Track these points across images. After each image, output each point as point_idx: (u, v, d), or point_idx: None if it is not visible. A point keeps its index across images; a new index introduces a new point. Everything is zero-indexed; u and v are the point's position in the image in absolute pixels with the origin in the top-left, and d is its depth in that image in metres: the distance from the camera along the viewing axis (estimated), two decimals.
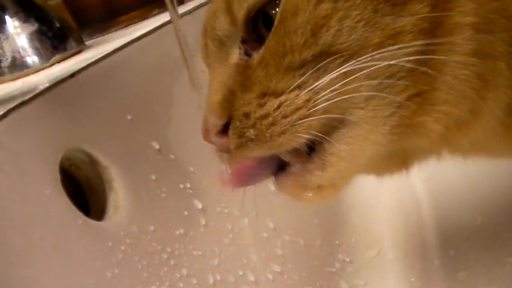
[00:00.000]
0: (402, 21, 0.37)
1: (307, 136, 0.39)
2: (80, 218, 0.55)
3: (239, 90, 0.41)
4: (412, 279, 0.72)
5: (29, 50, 0.77)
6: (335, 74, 0.37)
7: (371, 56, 0.37)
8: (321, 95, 0.37)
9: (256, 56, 0.41)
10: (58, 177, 0.54)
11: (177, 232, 0.63)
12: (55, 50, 0.79)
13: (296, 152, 0.41)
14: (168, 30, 0.75)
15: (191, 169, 0.69)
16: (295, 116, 0.38)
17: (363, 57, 0.37)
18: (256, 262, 0.68)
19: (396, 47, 0.36)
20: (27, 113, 0.54)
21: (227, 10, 0.42)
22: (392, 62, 0.37)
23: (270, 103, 0.39)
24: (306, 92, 0.38)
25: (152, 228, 0.61)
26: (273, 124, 0.39)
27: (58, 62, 0.79)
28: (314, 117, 0.38)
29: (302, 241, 0.74)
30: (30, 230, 0.50)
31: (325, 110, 0.38)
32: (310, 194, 0.42)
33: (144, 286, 0.57)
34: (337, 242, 0.78)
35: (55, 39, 0.79)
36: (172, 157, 0.68)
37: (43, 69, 0.77)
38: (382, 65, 0.37)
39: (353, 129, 0.39)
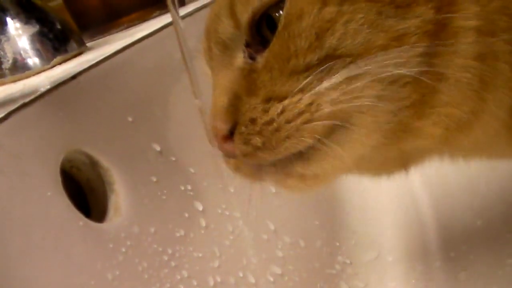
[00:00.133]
0: (406, 23, 0.36)
1: (312, 141, 0.39)
2: (81, 220, 0.55)
3: (245, 95, 0.40)
4: (413, 281, 0.72)
5: (30, 52, 0.77)
6: (339, 77, 0.37)
7: (375, 59, 0.36)
8: (324, 98, 0.37)
9: (261, 59, 0.40)
10: (59, 179, 0.54)
11: (178, 234, 0.63)
12: (56, 52, 0.79)
13: None
14: (169, 32, 0.75)
15: (192, 170, 0.69)
16: (298, 121, 0.38)
17: (366, 60, 0.37)
18: (257, 264, 0.68)
19: (400, 49, 0.36)
20: (28, 115, 0.54)
21: (231, 14, 0.42)
22: (398, 71, 0.37)
23: (274, 108, 0.39)
24: (309, 96, 0.38)
25: (152, 229, 0.61)
26: (277, 130, 0.38)
27: (59, 63, 0.79)
28: (319, 122, 0.38)
29: (302, 242, 0.74)
30: (30, 232, 0.50)
31: (328, 114, 0.38)
32: (292, 181, 0.42)
33: None
34: (337, 244, 0.78)
35: (56, 40, 0.79)
36: (173, 159, 0.68)
37: (44, 70, 0.77)
38: (387, 67, 0.37)
39: (350, 132, 0.39)
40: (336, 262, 0.76)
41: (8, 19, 0.78)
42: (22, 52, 0.77)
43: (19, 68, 0.77)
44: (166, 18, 0.85)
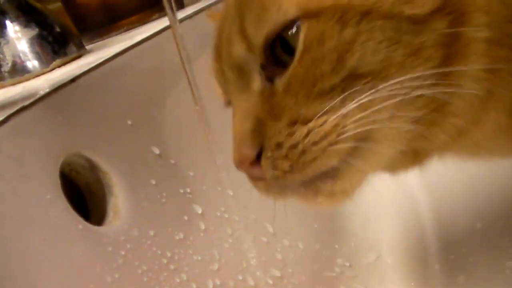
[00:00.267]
0: (422, 38, 0.37)
1: (338, 160, 0.39)
2: (80, 223, 0.55)
3: (268, 119, 0.40)
4: (412, 284, 0.72)
5: (30, 55, 0.77)
6: (362, 99, 0.37)
7: (394, 81, 0.37)
8: (349, 120, 0.38)
9: (279, 82, 0.40)
10: (58, 182, 0.54)
11: (177, 237, 0.63)
12: (55, 55, 0.79)
13: None
14: (169, 34, 0.75)
15: (191, 174, 0.69)
16: (324, 143, 0.38)
17: (387, 81, 0.37)
18: (256, 267, 0.68)
19: (415, 57, 0.37)
20: (27, 118, 0.55)
21: (242, 37, 0.42)
22: (420, 92, 0.37)
23: (299, 132, 0.39)
24: (333, 118, 0.38)
25: (152, 232, 0.61)
26: (303, 152, 0.39)
27: (59, 66, 0.79)
28: (345, 144, 0.38)
29: (301, 245, 0.74)
30: (30, 235, 0.50)
31: (354, 134, 0.38)
32: (321, 200, 0.42)
33: None
34: (336, 246, 0.78)
35: (55, 43, 0.79)
36: (172, 162, 0.68)
37: (43, 73, 0.77)
38: (405, 82, 0.37)
39: (373, 146, 0.39)
40: (335, 265, 0.76)
41: (8, 22, 0.78)
42: (21, 55, 0.77)
43: (19, 71, 0.77)
44: (165, 21, 0.84)
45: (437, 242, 0.75)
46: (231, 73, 0.44)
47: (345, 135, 0.38)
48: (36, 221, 0.51)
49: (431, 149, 0.45)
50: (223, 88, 0.47)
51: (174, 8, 0.50)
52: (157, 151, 0.66)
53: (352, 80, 0.37)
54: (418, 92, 0.37)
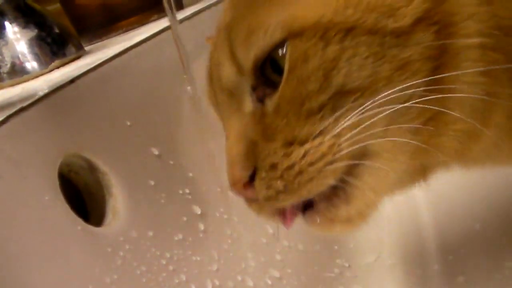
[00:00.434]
0: (408, 51, 0.37)
1: (334, 180, 0.39)
2: (79, 224, 0.55)
3: (261, 140, 0.41)
4: (411, 285, 0.72)
5: (29, 56, 0.78)
6: (353, 117, 0.37)
7: (384, 96, 0.37)
8: (343, 138, 0.38)
9: (270, 102, 0.41)
10: (57, 183, 0.54)
11: (176, 238, 0.63)
12: (54, 56, 0.79)
13: None
14: (168, 35, 0.75)
15: (190, 174, 0.69)
16: (321, 163, 0.38)
17: (376, 94, 0.37)
18: (255, 268, 0.68)
19: (404, 77, 0.37)
20: (26, 119, 0.54)
21: (232, 60, 0.42)
22: (407, 104, 0.37)
23: (296, 153, 0.39)
24: (329, 138, 0.38)
25: (151, 233, 0.61)
26: (300, 173, 0.39)
27: (58, 67, 0.79)
28: (341, 162, 0.38)
29: (301, 246, 0.74)
30: (29, 236, 0.50)
31: (349, 152, 0.38)
32: (339, 227, 0.42)
33: None
34: (336, 247, 0.78)
35: (54, 44, 0.79)
36: (171, 162, 0.68)
37: (42, 74, 0.77)
38: (394, 96, 0.37)
39: (374, 160, 0.39)
40: (335, 266, 0.76)
41: (7, 23, 0.78)
42: (20, 56, 0.77)
43: (17, 72, 0.77)
44: (164, 22, 0.85)
45: (436, 243, 0.75)
46: (222, 96, 0.44)
47: (340, 154, 0.38)
48: (35, 222, 0.51)
49: (439, 160, 0.44)
50: (217, 112, 0.47)
51: (174, 9, 0.50)
52: (156, 152, 0.66)
53: (341, 98, 0.38)
54: (409, 103, 0.37)
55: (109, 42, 0.93)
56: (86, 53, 0.85)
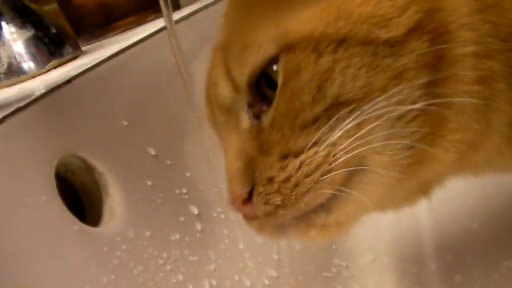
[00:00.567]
0: (403, 60, 0.37)
1: (331, 191, 0.39)
2: (76, 224, 0.55)
3: (258, 155, 0.41)
4: (409, 284, 0.72)
5: (25, 56, 0.77)
6: (348, 125, 0.37)
7: (378, 101, 0.37)
8: (339, 148, 0.38)
9: (266, 118, 0.41)
10: (53, 183, 0.54)
11: (173, 238, 0.63)
12: (51, 56, 0.79)
13: None
14: (165, 35, 0.75)
15: (187, 174, 0.69)
16: (317, 173, 0.38)
17: (371, 103, 0.37)
18: (252, 267, 0.68)
19: (399, 88, 0.37)
20: (23, 119, 0.54)
21: (228, 77, 0.42)
22: (403, 108, 0.37)
23: (291, 165, 0.39)
24: (324, 148, 0.38)
25: (148, 233, 0.61)
26: (296, 185, 0.39)
27: (55, 67, 0.79)
28: (337, 172, 0.38)
29: (298, 245, 0.74)
30: (25, 236, 0.50)
31: (345, 162, 0.38)
32: (315, 232, 0.42)
33: None
34: (333, 246, 0.78)
35: (51, 45, 0.79)
36: (168, 162, 0.68)
37: (39, 75, 0.77)
38: (390, 105, 0.37)
39: (368, 175, 0.39)
40: (332, 265, 0.76)
41: (3, 24, 0.78)
42: (17, 56, 0.77)
43: (14, 73, 0.77)
44: (161, 22, 0.84)
45: (434, 242, 0.75)
46: (220, 115, 0.45)
47: (336, 163, 0.38)
48: (32, 222, 0.51)
49: (437, 174, 0.44)
50: (216, 131, 0.47)
51: (171, 9, 0.50)
52: (153, 152, 0.66)
53: (336, 109, 0.38)
54: (404, 108, 0.37)
55: (106, 42, 0.93)
56: (83, 53, 0.85)
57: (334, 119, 0.38)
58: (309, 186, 0.39)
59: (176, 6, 1.01)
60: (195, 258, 0.64)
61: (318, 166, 0.38)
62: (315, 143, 0.38)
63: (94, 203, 0.60)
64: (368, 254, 0.77)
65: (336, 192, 0.39)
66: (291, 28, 0.39)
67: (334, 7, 0.38)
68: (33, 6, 0.82)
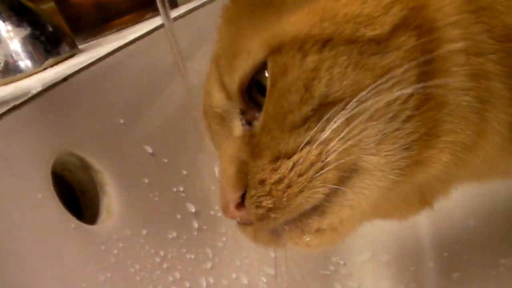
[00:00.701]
0: (390, 57, 0.37)
1: (324, 190, 0.39)
2: (72, 222, 0.55)
3: (250, 159, 0.41)
4: (406, 282, 0.72)
5: (22, 54, 0.77)
6: (338, 122, 0.37)
7: (365, 93, 0.37)
8: (330, 145, 0.38)
9: (257, 123, 0.41)
10: (50, 181, 0.54)
11: (170, 236, 0.63)
12: (48, 54, 0.79)
13: None
14: (161, 33, 0.75)
15: (184, 172, 0.69)
16: (311, 172, 0.38)
17: (357, 97, 0.37)
18: (250, 265, 0.68)
19: (385, 78, 0.37)
20: (19, 117, 0.54)
21: (220, 86, 0.43)
22: (392, 95, 0.37)
23: (284, 166, 0.39)
24: (316, 146, 0.38)
25: (145, 231, 0.61)
26: (289, 186, 0.39)
27: (51, 66, 0.78)
28: (329, 167, 0.38)
29: None
30: (22, 235, 0.50)
31: (338, 159, 0.38)
32: (308, 239, 0.42)
33: None
34: None
35: (48, 43, 0.79)
36: (165, 160, 0.68)
37: (36, 73, 0.77)
38: (380, 103, 0.37)
39: (365, 177, 0.39)
40: (330, 263, 0.76)
41: (0, 22, 0.78)
42: (13, 54, 0.77)
43: (11, 71, 0.77)
44: (158, 20, 0.84)
45: (431, 240, 0.75)
46: (215, 124, 0.45)
47: (328, 159, 0.38)
48: (28, 221, 0.51)
49: (439, 180, 0.44)
50: (212, 141, 0.48)
51: (168, 7, 0.50)
52: (149, 150, 0.66)
53: (326, 110, 0.38)
54: (395, 94, 0.37)
55: (103, 40, 0.93)
56: (80, 51, 0.85)
57: (324, 119, 0.38)
58: (302, 185, 0.38)
59: (174, 4, 1.01)
60: (192, 256, 0.64)
61: (312, 164, 0.38)
62: (307, 143, 0.38)
63: (91, 201, 0.60)
64: (366, 252, 0.77)
65: (329, 196, 0.39)
66: (278, 32, 0.39)
67: (319, 9, 0.39)
68: (30, 4, 0.82)
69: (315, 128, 0.38)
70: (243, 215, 0.42)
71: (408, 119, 0.38)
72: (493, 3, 0.38)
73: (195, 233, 0.66)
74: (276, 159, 0.39)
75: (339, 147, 0.38)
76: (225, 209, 0.43)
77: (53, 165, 0.55)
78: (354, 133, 0.38)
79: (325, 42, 0.38)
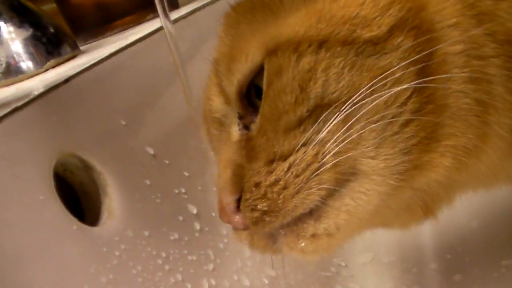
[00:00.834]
0: (387, 58, 0.37)
1: (320, 192, 0.38)
2: (74, 223, 0.55)
3: (246, 162, 0.41)
4: (408, 283, 0.72)
5: (24, 56, 0.77)
6: (334, 123, 0.37)
7: (362, 94, 0.37)
8: (327, 145, 0.37)
9: (254, 126, 0.41)
10: (52, 182, 0.54)
11: (172, 237, 0.63)
12: (49, 56, 0.79)
13: None
14: (163, 34, 0.75)
15: (186, 174, 0.69)
16: (307, 172, 0.38)
17: (354, 98, 0.37)
18: (251, 267, 0.68)
19: (382, 78, 0.37)
20: (21, 118, 0.54)
21: (219, 91, 0.43)
22: (388, 92, 0.37)
23: (279, 168, 0.38)
24: (312, 147, 0.38)
25: (146, 233, 0.60)
26: (285, 187, 0.38)
27: (53, 67, 0.78)
28: (325, 167, 0.38)
29: None
30: (24, 236, 0.50)
31: (334, 160, 0.38)
32: (303, 244, 0.41)
33: None
34: None
35: (49, 44, 0.79)
36: (167, 162, 0.68)
37: (37, 74, 0.77)
38: (378, 103, 0.37)
39: (364, 182, 0.39)
40: (331, 265, 0.76)
41: (1, 23, 0.78)
42: (15, 55, 0.77)
43: (13, 72, 0.77)
44: (159, 22, 0.84)
45: (433, 242, 0.75)
46: (214, 129, 0.46)
47: (325, 159, 0.37)
48: (30, 222, 0.51)
49: (443, 187, 0.43)
50: (211, 147, 0.48)
51: (167, 8, 0.50)
52: (151, 152, 0.66)
53: (321, 111, 0.37)
54: (392, 91, 0.37)
55: (105, 41, 0.93)
56: (81, 52, 0.85)
57: (320, 119, 0.37)
58: (298, 187, 0.38)
59: (175, 5, 1.01)
60: (194, 258, 0.64)
61: (308, 165, 0.38)
62: (303, 144, 0.38)
63: (92, 202, 0.60)
64: (368, 253, 0.77)
65: (325, 198, 0.39)
66: (275, 33, 0.39)
67: (316, 10, 0.39)
68: (31, 5, 0.82)
69: (311, 130, 0.38)
70: (239, 220, 0.41)
71: (408, 123, 0.38)
72: (496, 9, 0.38)
73: (197, 234, 0.66)
74: (272, 161, 0.39)
75: (336, 147, 0.37)
76: (221, 214, 0.42)
77: (55, 167, 0.55)
78: (351, 134, 0.37)
79: (322, 43, 0.38)
